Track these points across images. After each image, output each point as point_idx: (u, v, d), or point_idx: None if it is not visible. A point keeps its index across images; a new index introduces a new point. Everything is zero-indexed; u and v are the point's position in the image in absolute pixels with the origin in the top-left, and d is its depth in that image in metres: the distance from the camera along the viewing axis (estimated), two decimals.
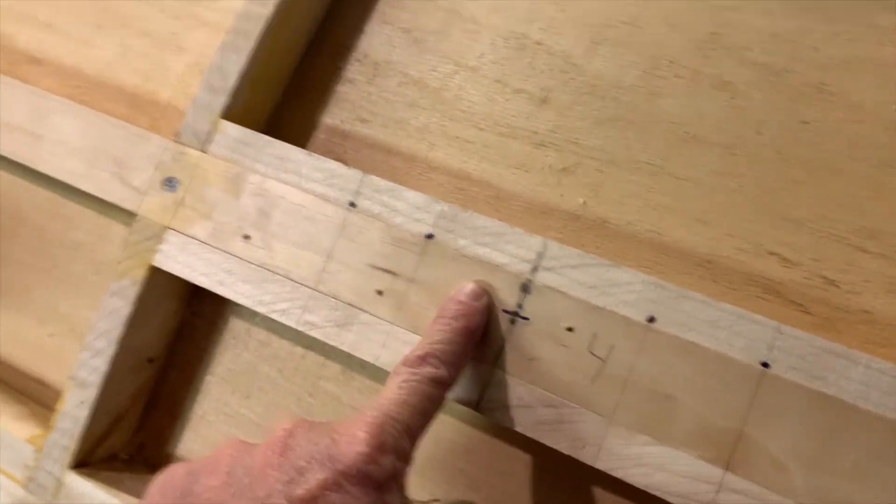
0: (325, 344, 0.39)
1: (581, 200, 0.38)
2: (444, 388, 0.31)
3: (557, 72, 0.40)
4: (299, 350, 0.41)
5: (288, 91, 0.44)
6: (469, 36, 0.43)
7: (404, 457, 0.28)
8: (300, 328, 0.37)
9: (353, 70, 0.44)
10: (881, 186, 0.34)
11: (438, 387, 0.30)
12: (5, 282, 0.47)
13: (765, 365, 0.30)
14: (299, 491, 0.25)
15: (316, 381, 0.41)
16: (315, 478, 0.25)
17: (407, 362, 0.31)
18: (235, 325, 0.42)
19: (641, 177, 0.38)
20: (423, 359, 0.31)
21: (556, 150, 0.39)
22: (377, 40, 0.44)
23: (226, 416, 0.42)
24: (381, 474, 0.26)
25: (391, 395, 0.29)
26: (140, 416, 0.43)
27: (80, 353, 0.40)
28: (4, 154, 0.44)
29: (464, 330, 0.32)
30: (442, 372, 0.30)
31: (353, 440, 0.26)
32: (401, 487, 0.27)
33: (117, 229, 0.46)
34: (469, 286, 0.34)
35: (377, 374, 0.40)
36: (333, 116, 0.44)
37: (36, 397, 0.46)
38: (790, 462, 0.29)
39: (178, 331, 0.43)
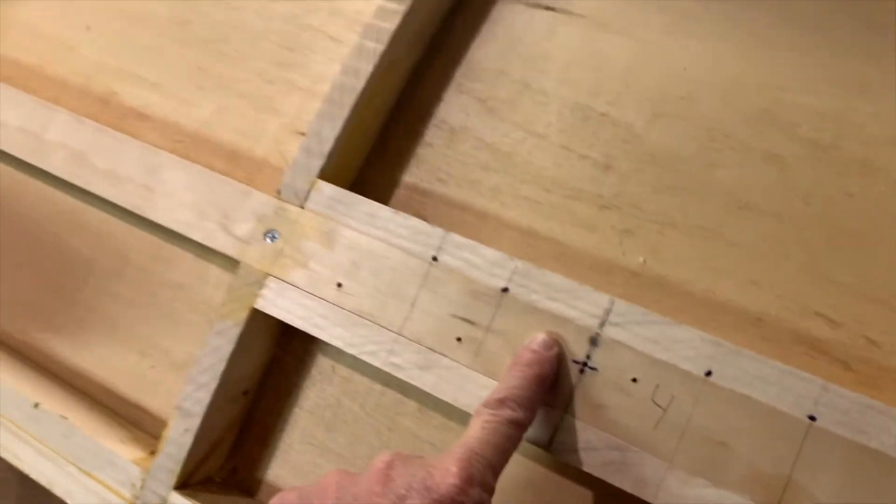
0: (403, 382, 0.43)
1: (641, 260, 0.42)
2: (520, 430, 0.34)
3: (620, 141, 0.45)
4: (379, 387, 0.45)
5: (373, 152, 0.49)
6: (539, 106, 0.47)
7: (489, 489, 0.32)
8: (386, 369, 0.41)
9: (432, 134, 0.49)
10: None
11: (516, 428, 0.34)
12: (111, 317, 0.52)
13: (811, 418, 0.34)
14: None
15: (394, 417, 0.45)
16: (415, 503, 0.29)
17: (488, 405, 0.35)
18: (322, 363, 0.47)
19: (697, 240, 0.41)
20: (502, 402, 0.35)
21: (619, 212, 0.43)
22: (454, 108, 0.49)
23: (311, 447, 0.46)
24: None
25: (475, 434, 0.33)
26: (233, 444, 0.47)
27: (185, 386, 0.45)
28: (118, 202, 0.50)
29: (537, 377, 0.36)
30: (519, 414, 0.34)
31: (446, 473, 0.30)
32: None
33: (214, 272, 0.51)
34: (541, 336, 0.38)
35: (451, 413, 0.43)
36: (413, 176, 0.48)
37: (137, 423, 0.50)
38: None
39: (270, 366, 0.47)
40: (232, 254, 0.46)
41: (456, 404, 0.39)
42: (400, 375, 0.41)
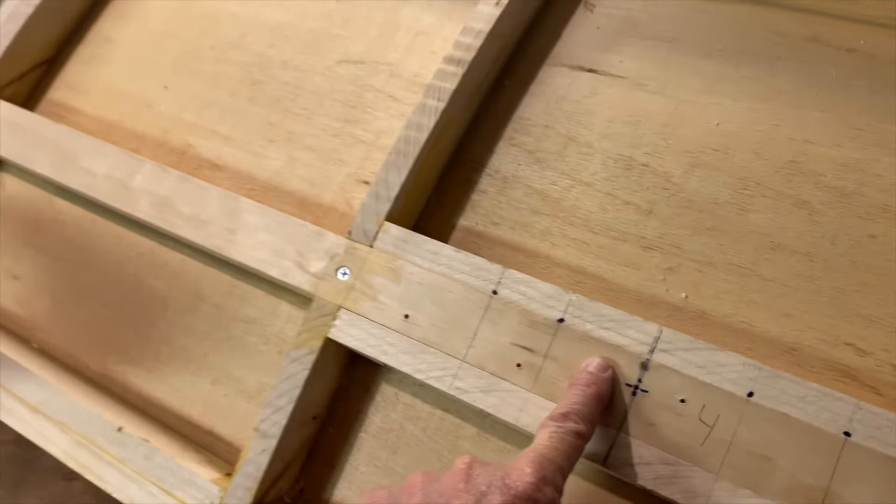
0: (462, 408, 0.47)
1: (683, 295, 0.46)
2: (583, 440, 0.38)
3: (660, 189, 0.49)
4: (439, 413, 0.49)
5: (432, 198, 0.54)
6: (584, 157, 0.52)
7: (559, 490, 0.35)
8: (451, 392, 0.45)
9: (486, 182, 0.53)
10: None
11: (579, 438, 0.38)
12: (186, 349, 0.57)
13: (847, 434, 0.37)
14: None
15: (454, 441, 0.48)
16: (496, 499, 0.33)
17: (553, 418, 0.38)
18: (385, 390, 0.51)
19: (734, 277, 0.45)
20: (566, 416, 0.38)
21: (661, 252, 0.47)
22: (506, 159, 0.54)
23: (376, 468, 0.49)
24: (544, 501, 0.33)
25: (544, 441, 0.37)
26: (302, 465, 0.51)
27: (263, 409, 0.48)
28: (202, 243, 0.55)
29: (596, 395, 0.40)
30: (581, 427, 0.38)
31: (522, 473, 0.34)
32: None
33: (284, 308, 0.55)
34: (597, 360, 0.42)
35: (507, 436, 0.47)
36: (469, 220, 0.53)
37: (209, 448, 0.54)
38: None
39: (336, 394, 0.51)
40: (307, 288, 0.50)
41: (517, 424, 0.43)
42: (464, 398, 0.45)
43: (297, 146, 0.59)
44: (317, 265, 0.50)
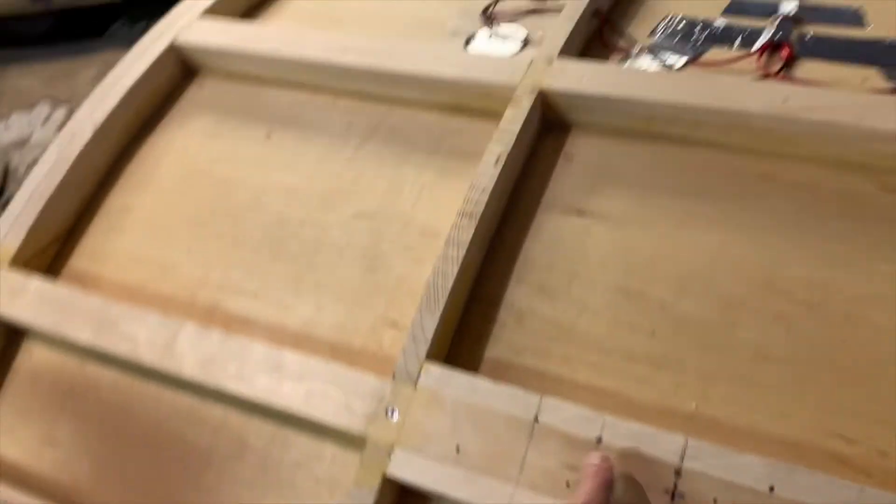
0: None
1: (694, 405, 0.54)
2: None
3: (657, 312, 0.57)
4: None
5: (457, 334, 0.60)
6: (587, 289, 0.60)
7: None
8: None
9: (504, 316, 0.61)
10: None
11: None
12: (238, 496, 0.60)
13: None
14: None
15: None
16: None
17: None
18: None
19: (735, 386, 0.53)
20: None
21: (669, 368, 0.55)
22: (518, 294, 0.61)
23: None
24: None
25: None
26: None
27: None
28: (250, 397, 0.59)
29: (602, 483, 0.46)
30: None
31: None
32: None
33: (329, 449, 0.59)
34: (594, 455, 0.48)
35: None
36: (493, 351, 0.60)
37: None
38: None
39: None
40: (358, 430, 0.55)
41: None
42: None
43: (323, 296, 0.65)
44: (366, 407, 0.56)
